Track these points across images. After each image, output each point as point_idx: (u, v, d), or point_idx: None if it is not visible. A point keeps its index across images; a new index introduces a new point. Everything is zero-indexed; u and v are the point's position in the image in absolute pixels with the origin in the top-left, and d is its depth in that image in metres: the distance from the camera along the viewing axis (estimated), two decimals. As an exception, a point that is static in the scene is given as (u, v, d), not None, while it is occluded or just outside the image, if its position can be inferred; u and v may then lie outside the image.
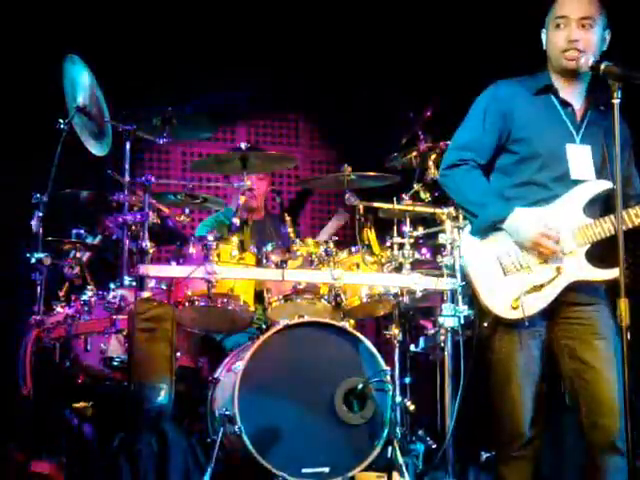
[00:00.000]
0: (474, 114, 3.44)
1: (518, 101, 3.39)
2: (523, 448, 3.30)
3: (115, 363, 4.20)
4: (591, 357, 3.27)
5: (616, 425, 3.17)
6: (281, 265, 4.15)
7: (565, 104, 3.39)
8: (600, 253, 3.29)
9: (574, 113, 3.39)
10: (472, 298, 3.46)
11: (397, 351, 4.53)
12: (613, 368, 3.21)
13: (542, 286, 3.26)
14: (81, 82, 4.29)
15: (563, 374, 3.34)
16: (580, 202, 3.30)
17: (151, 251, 3.81)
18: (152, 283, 4.01)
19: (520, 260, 3.28)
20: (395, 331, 4.56)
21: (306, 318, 4.09)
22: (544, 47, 3.43)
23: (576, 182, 3.32)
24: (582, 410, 3.28)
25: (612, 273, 3.16)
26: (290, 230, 4.47)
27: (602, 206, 3.34)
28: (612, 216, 3.22)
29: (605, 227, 3.24)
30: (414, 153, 4.92)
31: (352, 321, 4.30)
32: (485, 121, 3.38)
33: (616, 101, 2.97)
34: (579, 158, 3.33)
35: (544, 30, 3.43)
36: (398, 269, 4.18)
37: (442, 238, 3.97)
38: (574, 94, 3.41)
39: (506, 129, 3.37)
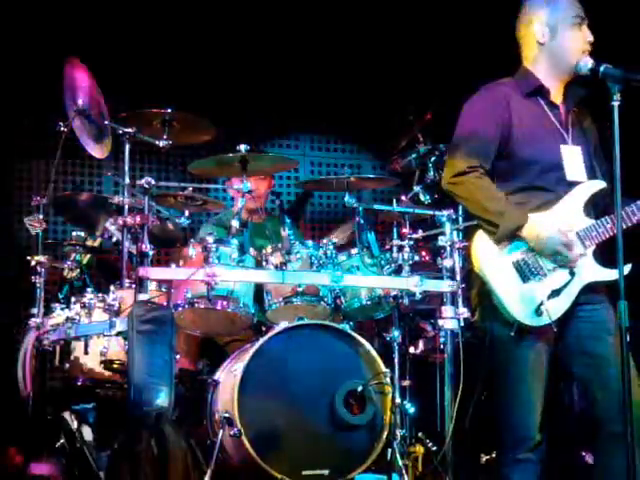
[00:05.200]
0: (474, 118, 3.39)
1: (513, 104, 3.36)
2: (530, 451, 3.29)
3: (115, 365, 4.20)
4: (605, 352, 3.26)
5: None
6: (281, 267, 4.15)
7: (553, 106, 3.40)
8: (607, 253, 3.30)
9: (561, 114, 3.40)
10: (482, 305, 3.42)
11: (397, 353, 4.52)
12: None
13: (560, 290, 3.26)
14: (81, 84, 4.29)
15: (576, 373, 3.35)
16: (580, 203, 3.31)
17: (151, 253, 3.80)
18: (152, 285, 4.01)
19: (537, 266, 3.27)
20: (395, 333, 4.56)
21: (306, 320, 4.09)
22: (541, 40, 3.38)
23: (572, 183, 3.32)
24: (599, 404, 3.27)
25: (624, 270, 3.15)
26: (290, 232, 4.46)
27: (596, 206, 3.36)
28: (613, 215, 3.23)
29: (608, 227, 3.26)
30: (414, 155, 4.92)
31: (352, 323, 4.30)
32: (487, 125, 3.34)
33: (616, 103, 2.97)
34: (572, 159, 3.35)
35: (540, 25, 3.37)
36: (398, 271, 4.18)
37: (442, 240, 3.96)
38: (559, 95, 3.42)
39: (505, 133, 3.34)
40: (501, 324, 3.29)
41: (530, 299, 3.25)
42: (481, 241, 3.36)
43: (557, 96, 3.41)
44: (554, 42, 3.37)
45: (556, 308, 3.25)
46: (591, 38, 3.33)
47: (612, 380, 3.20)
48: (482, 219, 3.35)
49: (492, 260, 3.32)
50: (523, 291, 3.26)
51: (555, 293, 3.26)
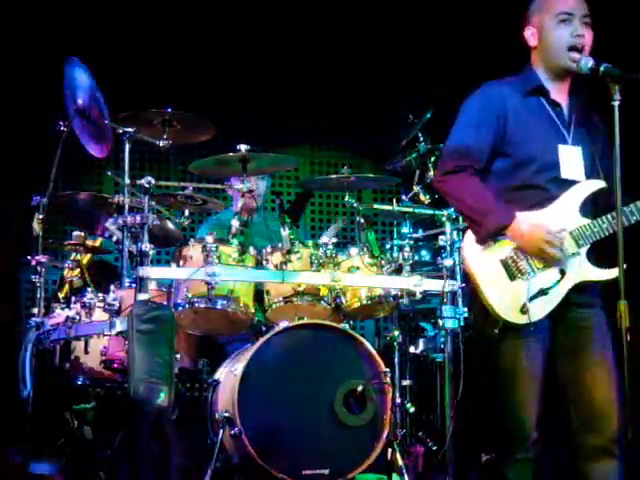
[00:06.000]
0: (467, 118, 3.38)
1: (510, 103, 3.35)
2: (526, 450, 3.29)
3: (115, 365, 4.21)
4: (588, 361, 3.26)
5: (611, 428, 3.17)
6: (281, 267, 4.15)
7: (555, 105, 3.39)
8: (600, 253, 3.30)
9: (563, 113, 3.39)
10: (474, 304, 3.43)
11: (397, 353, 4.53)
12: (609, 372, 3.22)
13: (548, 289, 3.25)
14: (81, 84, 4.29)
15: (559, 376, 3.33)
16: (576, 203, 3.30)
17: (151, 253, 3.80)
18: (152, 285, 4.01)
19: (525, 264, 3.26)
20: (395, 333, 4.56)
21: (306, 320, 4.09)
22: (532, 44, 3.39)
23: (569, 183, 3.32)
24: (576, 413, 3.27)
25: (614, 272, 3.15)
26: (290, 232, 4.47)
27: (594, 205, 3.35)
28: (609, 215, 3.23)
29: (603, 227, 3.24)
30: (414, 155, 4.92)
31: (352, 323, 4.30)
32: (480, 125, 3.33)
33: (616, 103, 2.97)
34: (571, 159, 3.33)
35: (531, 27, 3.38)
36: (398, 271, 4.18)
37: (442, 240, 3.96)
38: (562, 94, 3.40)
39: (501, 132, 3.33)
40: (489, 322, 3.29)
41: (516, 297, 3.24)
42: (470, 239, 3.37)
43: (559, 95, 3.40)
44: (542, 44, 3.37)
45: (543, 307, 3.24)
46: (579, 32, 3.27)
47: (590, 393, 3.23)
48: (468, 218, 3.37)
49: (480, 258, 3.32)
50: (509, 289, 3.26)
51: (543, 292, 3.25)
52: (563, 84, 3.39)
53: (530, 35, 3.40)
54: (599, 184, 3.34)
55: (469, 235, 3.38)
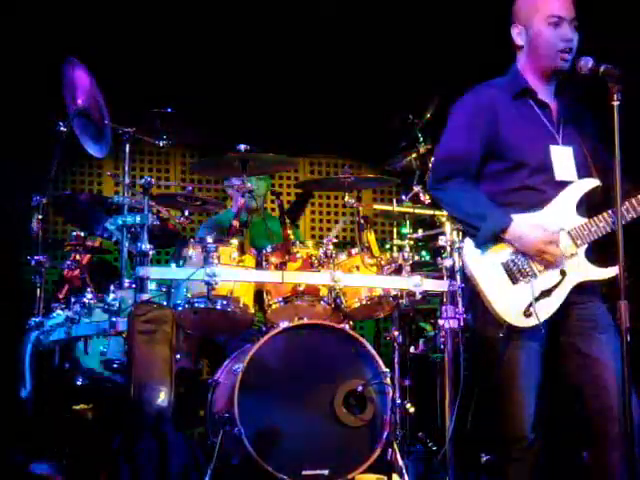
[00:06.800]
0: (458, 123, 3.39)
1: (500, 107, 3.35)
2: (525, 450, 3.30)
3: (115, 365, 4.21)
4: (596, 350, 3.26)
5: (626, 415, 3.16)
6: (281, 267, 4.15)
7: (543, 105, 3.39)
8: (598, 252, 3.31)
9: (551, 114, 3.40)
10: (474, 306, 3.43)
11: (397, 353, 4.53)
12: (618, 360, 3.21)
13: (550, 291, 3.25)
14: (81, 84, 4.29)
15: (568, 371, 3.33)
16: (572, 202, 3.31)
17: (151, 253, 3.80)
18: (152, 285, 4.01)
19: (526, 267, 3.27)
20: (395, 333, 4.56)
21: (306, 320, 4.09)
22: (519, 43, 3.40)
23: (562, 184, 3.32)
24: (591, 404, 3.27)
25: (614, 270, 3.16)
26: (289, 232, 4.47)
27: (590, 204, 3.35)
28: (605, 214, 3.24)
29: (601, 225, 3.25)
30: (414, 155, 4.92)
31: (352, 323, 4.29)
32: (471, 130, 3.34)
33: (616, 103, 2.97)
34: (563, 159, 3.34)
35: (519, 26, 3.38)
36: (398, 271, 4.18)
37: (442, 240, 3.96)
38: (549, 94, 3.41)
39: (492, 136, 3.33)
40: (491, 325, 3.29)
41: (519, 300, 3.25)
42: (471, 244, 3.37)
43: (547, 95, 3.40)
44: (531, 45, 3.37)
45: (546, 309, 3.25)
46: (569, 36, 3.29)
47: (603, 379, 3.22)
48: (464, 223, 3.39)
49: (481, 262, 3.32)
50: (512, 292, 3.26)
51: (545, 293, 3.25)
52: (550, 85, 3.40)
53: (517, 34, 3.40)
54: (593, 183, 3.35)
55: (469, 240, 3.38)
